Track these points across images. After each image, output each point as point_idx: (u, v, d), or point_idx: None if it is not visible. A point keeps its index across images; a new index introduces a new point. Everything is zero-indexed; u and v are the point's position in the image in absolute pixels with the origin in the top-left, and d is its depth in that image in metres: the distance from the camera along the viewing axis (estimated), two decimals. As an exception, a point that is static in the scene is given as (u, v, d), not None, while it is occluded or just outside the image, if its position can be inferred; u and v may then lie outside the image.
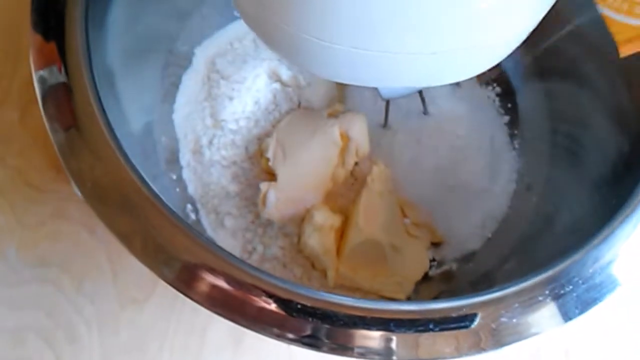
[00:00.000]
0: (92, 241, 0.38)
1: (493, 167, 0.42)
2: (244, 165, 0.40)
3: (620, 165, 0.34)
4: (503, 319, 0.26)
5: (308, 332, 0.25)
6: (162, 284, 0.26)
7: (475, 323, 0.26)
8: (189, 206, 0.39)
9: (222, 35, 0.43)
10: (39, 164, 0.40)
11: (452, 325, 0.26)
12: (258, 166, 0.40)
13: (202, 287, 0.26)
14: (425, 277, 0.39)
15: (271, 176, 0.39)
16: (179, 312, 0.37)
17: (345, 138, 0.39)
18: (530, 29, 0.27)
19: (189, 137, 0.41)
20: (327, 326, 0.26)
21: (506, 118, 0.44)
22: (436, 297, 0.37)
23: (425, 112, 0.43)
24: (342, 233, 0.38)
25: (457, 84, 0.44)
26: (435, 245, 0.40)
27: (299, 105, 0.42)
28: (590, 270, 0.27)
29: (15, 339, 0.36)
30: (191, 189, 0.40)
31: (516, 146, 0.43)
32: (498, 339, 0.26)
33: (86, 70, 0.29)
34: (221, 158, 0.40)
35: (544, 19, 0.27)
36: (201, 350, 0.37)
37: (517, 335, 0.26)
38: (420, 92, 0.41)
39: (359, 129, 0.39)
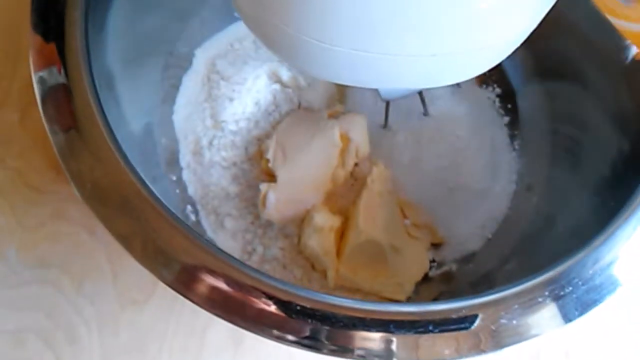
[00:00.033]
0: (92, 242, 0.38)
1: (493, 167, 0.42)
2: (244, 166, 0.40)
3: (621, 166, 0.34)
4: (503, 321, 0.26)
5: (308, 333, 0.25)
6: (162, 285, 0.26)
7: (475, 324, 0.26)
8: (189, 207, 0.39)
9: (222, 36, 0.43)
10: (39, 165, 0.40)
11: (452, 327, 0.26)
12: (258, 167, 0.40)
13: (202, 289, 0.26)
14: (425, 278, 0.39)
15: (271, 177, 0.39)
16: (178, 314, 0.37)
17: (346, 139, 0.39)
18: (531, 29, 0.27)
19: (189, 138, 0.41)
20: (326, 328, 0.26)
21: (506, 119, 0.44)
22: (436, 298, 0.37)
23: (425, 113, 0.43)
24: (342, 234, 0.38)
25: (458, 85, 0.44)
26: (435, 246, 0.40)
27: (299, 106, 0.42)
28: (590, 272, 0.27)
29: (15, 340, 0.36)
30: (191, 190, 0.40)
31: (516, 147, 0.43)
32: (498, 341, 0.26)
33: (86, 72, 0.29)
34: (221, 159, 0.40)
35: (544, 19, 0.27)
36: (201, 351, 0.37)
37: (517, 336, 0.26)
38: (420, 92, 0.41)
39: (359, 130, 0.39)
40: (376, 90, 0.39)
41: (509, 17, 0.25)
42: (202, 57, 0.42)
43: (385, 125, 0.42)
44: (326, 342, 0.26)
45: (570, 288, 0.27)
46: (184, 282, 0.26)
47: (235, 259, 0.27)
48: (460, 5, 0.23)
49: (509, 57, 0.28)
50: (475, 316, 0.26)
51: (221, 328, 0.37)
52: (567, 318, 0.27)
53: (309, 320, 0.26)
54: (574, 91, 0.40)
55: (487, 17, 0.24)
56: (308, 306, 0.26)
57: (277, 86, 0.41)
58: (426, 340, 0.26)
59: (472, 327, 0.26)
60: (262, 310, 0.26)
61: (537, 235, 0.37)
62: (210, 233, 0.39)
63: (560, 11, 0.27)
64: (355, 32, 0.24)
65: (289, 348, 0.26)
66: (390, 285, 0.37)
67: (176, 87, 0.41)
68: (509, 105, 0.44)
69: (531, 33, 0.27)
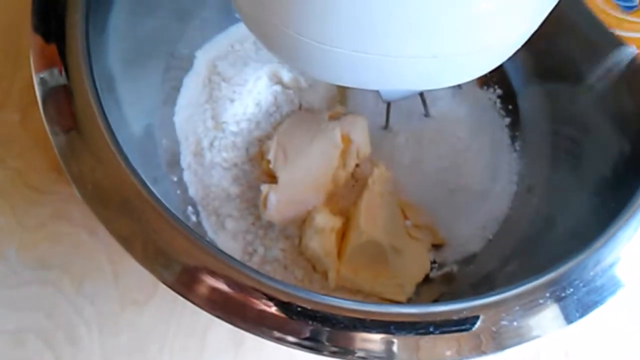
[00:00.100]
0: (93, 243, 0.38)
1: (494, 168, 0.42)
2: (244, 167, 0.40)
3: (621, 167, 0.34)
4: (504, 322, 0.26)
5: (308, 335, 0.25)
6: (163, 285, 0.26)
7: (476, 326, 0.26)
8: (190, 208, 0.39)
9: (223, 37, 0.43)
10: (39, 165, 0.40)
11: (453, 328, 0.26)
12: (259, 168, 0.40)
13: (202, 290, 0.26)
14: (426, 279, 0.39)
15: (272, 178, 0.39)
16: (179, 314, 0.37)
17: (346, 140, 0.39)
18: (532, 31, 0.27)
19: (190, 140, 0.41)
20: (327, 329, 0.26)
21: (507, 120, 0.44)
22: (437, 299, 0.37)
23: (426, 114, 0.43)
24: (343, 235, 0.38)
25: (458, 86, 0.44)
26: (436, 247, 0.40)
27: (300, 107, 0.42)
28: (592, 273, 0.27)
29: (15, 340, 0.36)
30: (192, 191, 0.40)
31: (517, 148, 0.43)
32: (499, 342, 0.26)
33: (87, 73, 0.29)
34: (222, 160, 0.40)
35: (545, 20, 0.27)
36: (201, 352, 0.37)
37: (518, 338, 0.26)
38: (421, 94, 0.41)
39: (360, 131, 0.39)
40: (377, 92, 0.39)
41: (510, 19, 0.25)
42: (202, 58, 0.42)
43: (386, 126, 0.42)
44: (327, 344, 0.26)
45: (571, 289, 0.27)
46: (184, 283, 0.26)
47: (235, 260, 0.27)
48: (461, 6, 0.23)
49: (509, 58, 0.28)
50: (476, 317, 0.26)
51: (222, 329, 0.37)
52: (568, 319, 0.27)
53: (310, 322, 0.26)
54: (575, 92, 0.40)
55: (488, 18, 0.24)
56: (309, 307, 0.26)
57: (278, 87, 0.41)
58: (427, 341, 0.26)
59: (473, 329, 0.26)
60: (263, 312, 0.26)
61: (538, 237, 0.37)
62: (211, 234, 0.39)
63: (561, 12, 0.27)
64: (356, 34, 0.24)
65: (289, 349, 0.26)
66: (391, 286, 0.37)
67: (177, 88, 0.41)
68: (510, 107, 0.44)
69: (532, 35, 0.27)
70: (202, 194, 0.40)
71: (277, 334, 0.26)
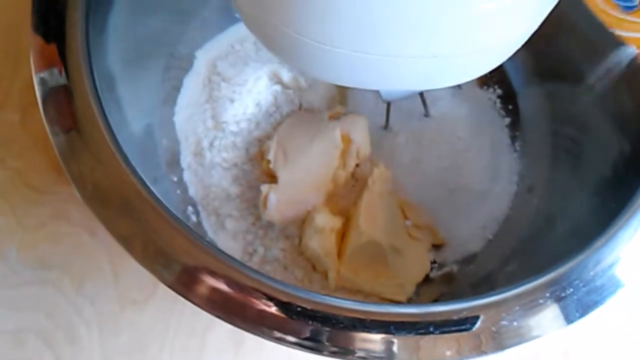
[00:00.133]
0: (93, 243, 0.38)
1: (494, 168, 0.42)
2: (244, 167, 0.40)
3: (621, 166, 0.34)
4: (504, 322, 0.26)
5: (308, 335, 0.25)
6: (163, 285, 0.26)
7: (476, 326, 0.26)
8: (190, 208, 0.39)
9: (223, 37, 0.43)
10: (39, 165, 0.40)
11: (453, 328, 0.26)
12: (259, 168, 0.40)
13: (202, 290, 0.26)
14: (426, 279, 0.39)
15: (272, 178, 0.39)
16: (179, 314, 0.37)
17: (346, 140, 0.39)
18: (532, 31, 0.27)
19: (190, 140, 0.41)
20: (327, 329, 0.26)
21: (507, 120, 0.44)
22: (437, 299, 0.37)
23: (426, 114, 0.43)
24: (343, 235, 0.38)
25: (458, 86, 0.44)
26: (436, 247, 0.40)
27: (300, 107, 0.42)
28: (591, 273, 0.27)
29: (16, 340, 0.36)
30: (192, 191, 0.40)
31: (517, 148, 0.43)
32: (499, 342, 0.26)
33: (87, 73, 0.29)
34: (222, 160, 0.40)
35: (545, 20, 0.27)
36: (201, 352, 0.37)
37: (518, 338, 0.26)
38: (421, 94, 0.41)
39: (360, 131, 0.39)
40: (377, 92, 0.39)
41: (510, 19, 0.25)
42: (202, 58, 0.42)
43: (386, 126, 0.42)
44: (327, 344, 0.26)
45: (571, 289, 0.27)
46: (184, 283, 0.26)
47: (235, 260, 0.27)
48: (461, 6, 0.23)
49: (509, 58, 0.28)
50: (476, 317, 0.26)
51: (222, 329, 0.37)
52: (568, 319, 0.27)
53: (310, 322, 0.26)
54: (575, 92, 0.40)
55: (488, 18, 0.24)
56: (308, 307, 0.26)
57: (278, 87, 0.41)
58: (427, 341, 0.26)
59: (473, 329, 0.26)
60: (263, 312, 0.26)
61: (538, 237, 0.37)
62: (211, 234, 0.39)
63: (561, 12, 0.27)
64: (356, 34, 0.24)
65: (289, 349, 0.26)
66: (391, 287, 0.37)
67: (177, 88, 0.41)
68: (510, 107, 0.44)
69: (532, 35, 0.27)
70: (202, 194, 0.40)
71: (277, 334, 0.26)
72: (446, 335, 0.26)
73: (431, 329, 0.26)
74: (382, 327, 0.26)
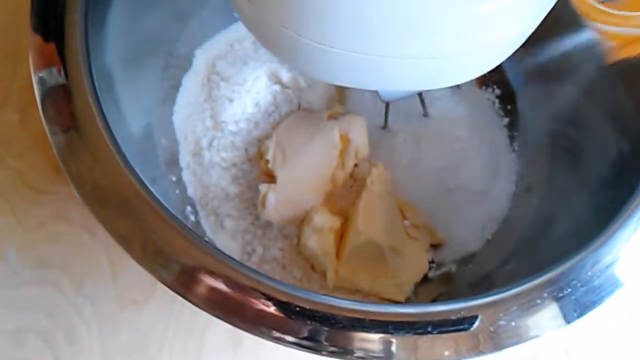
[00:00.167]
0: (93, 242, 0.38)
1: (493, 168, 0.42)
2: (243, 167, 0.40)
3: (620, 167, 0.34)
4: (502, 322, 0.26)
5: (307, 334, 0.25)
6: (162, 285, 0.26)
7: (475, 326, 0.26)
8: (189, 208, 0.39)
9: (222, 37, 0.43)
10: (39, 165, 0.40)
11: (451, 328, 0.26)
12: (258, 168, 0.40)
13: (201, 290, 0.26)
14: (425, 279, 0.39)
15: (271, 178, 0.39)
16: (178, 314, 0.37)
17: (345, 140, 0.39)
18: (530, 31, 0.27)
19: (189, 139, 0.41)
20: (326, 329, 0.26)
21: (506, 120, 0.44)
22: (435, 299, 0.37)
23: (425, 114, 0.43)
24: (341, 235, 0.38)
25: (457, 86, 0.44)
26: (435, 246, 0.40)
27: (299, 107, 0.42)
28: (589, 273, 0.27)
29: (15, 340, 0.36)
30: (191, 191, 0.40)
31: (516, 148, 0.43)
32: (497, 342, 0.26)
33: (86, 72, 0.29)
34: (221, 160, 0.40)
35: (543, 20, 0.27)
36: (200, 352, 0.37)
37: (516, 338, 0.26)
38: (420, 94, 0.41)
39: (358, 131, 0.39)
40: (376, 92, 0.39)
41: (509, 19, 0.25)
42: (202, 57, 0.42)
43: (385, 126, 0.42)
44: (325, 343, 0.26)
45: (569, 289, 0.27)
46: (183, 283, 0.26)
47: (234, 259, 0.27)
48: (460, 7, 0.23)
49: (508, 58, 0.28)
50: (475, 317, 0.26)
51: (220, 329, 0.37)
52: (566, 319, 0.27)
53: (309, 322, 0.26)
54: (574, 92, 0.40)
55: (487, 19, 0.24)
56: (307, 307, 0.26)
57: (277, 87, 0.41)
58: (425, 341, 0.26)
59: (471, 329, 0.26)
60: (262, 311, 0.26)
61: (537, 236, 0.37)
62: (209, 234, 0.39)
63: (560, 12, 0.27)
64: (355, 34, 0.24)
65: (288, 349, 0.26)
66: (390, 286, 0.37)
67: (176, 87, 0.41)
68: (509, 107, 0.44)
69: (531, 35, 0.27)
70: (201, 193, 0.40)
71: (275, 333, 0.26)
72: (444, 335, 0.26)
73: (429, 329, 0.26)
74: (380, 326, 0.26)
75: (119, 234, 0.27)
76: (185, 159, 0.40)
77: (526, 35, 0.27)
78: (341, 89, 0.43)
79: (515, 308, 0.27)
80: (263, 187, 0.38)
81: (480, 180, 0.41)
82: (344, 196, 0.39)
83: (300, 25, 0.25)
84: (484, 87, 0.44)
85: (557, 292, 0.27)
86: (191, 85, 0.42)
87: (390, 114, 0.41)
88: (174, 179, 0.40)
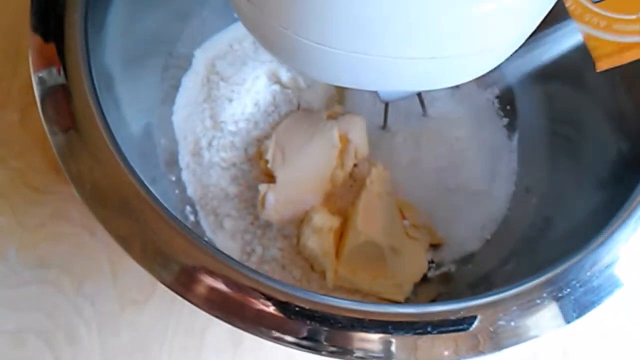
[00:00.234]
0: (93, 242, 0.38)
1: (492, 169, 0.42)
2: (243, 167, 0.40)
3: (620, 167, 0.34)
4: (501, 322, 0.26)
5: (306, 334, 0.25)
6: (162, 285, 0.26)
7: (474, 326, 0.26)
8: (188, 208, 0.39)
9: (221, 37, 0.43)
10: (39, 165, 0.40)
11: (451, 328, 0.26)
12: (257, 168, 0.40)
13: (201, 290, 0.26)
14: (424, 279, 0.39)
15: (270, 178, 0.39)
16: (178, 314, 0.37)
17: (345, 140, 0.39)
18: (530, 31, 0.27)
19: (189, 139, 0.41)
20: (325, 329, 0.26)
21: (505, 120, 0.44)
22: (435, 299, 0.37)
23: (424, 114, 0.43)
24: (341, 235, 0.38)
25: (457, 86, 0.44)
26: (434, 246, 0.40)
27: (299, 107, 0.42)
28: (589, 274, 0.28)
29: (16, 340, 0.36)
30: (190, 191, 0.40)
31: (515, 148, 0.43)
32: (496, 342, 0.26)
33: (85, 72, 0.29)
34: (220, 160, 0.40)
35: (543, 21, 0.27)
36: (200, 352, 0.37)
37: (516, 338, 0.26)
38: (419, 94, 0.41)
39: (358, 131, 0.39)
40: (375, 92, 0.39)
41: (509, 19, 0.25)
42: (201, 57, 0.42)
43: (385, 126, 0.42)
44: (325, 343, 0.26)
45: (569, 290, 0.27)
46: (183, 283, 0.26)
47: (234, 259, 0.27)
48: (460, 7, 0.23)
49: (508, 58, 0.28)
50: (474, 317, 0.26)
51: (220, 329, 0.37)
52: (566, 320, 0.27)
53: (308, 322, 0.26)
54: (573, 92, 0.40)
55: (487, 19, 0.24)
56: (307, 307, 0.26)
57: (276, 87, 0.41)
58: (425, 341, 0.26)
59: (471, 329, 0.26)
60: (261, 311, 0.26)
61: (536, 237, 0.37)
62: (209, 234, 0.39)
63: (559, 13, 0.27)
64: (355, 35, 0.24)
65: (287, 349, 0.26)
66: (389, 286, 0.37)
67: (176, 87, 0.41)
68: (508, 107, 0.44)
69: (530, 35, 0.27)
70: (201, 193, 0.40)
71: (275, 333, 0.26)
72: (444, 335, 0.26)
73: (429, 329, 0.26)
74: (380, 326, 0.26)
75: (119, 234, 0.27)
76: (184, 159, 0.40)
77: (526, 36, 0.27)
78: (340, 89, 0.43)
79: (514, 308, 0.27)
80: (262, 187, 0.38)
81: (479, 180, 0.41)
82: (343, 196, 0.39)
83: (299, 26, 0.25)
84: (483, 88, 0.44)
85: (557, 292, 0.27)
86: (191, 85, 0.42)
87: (389, 114, 0.41)
88: (173, 179, 0.40)
